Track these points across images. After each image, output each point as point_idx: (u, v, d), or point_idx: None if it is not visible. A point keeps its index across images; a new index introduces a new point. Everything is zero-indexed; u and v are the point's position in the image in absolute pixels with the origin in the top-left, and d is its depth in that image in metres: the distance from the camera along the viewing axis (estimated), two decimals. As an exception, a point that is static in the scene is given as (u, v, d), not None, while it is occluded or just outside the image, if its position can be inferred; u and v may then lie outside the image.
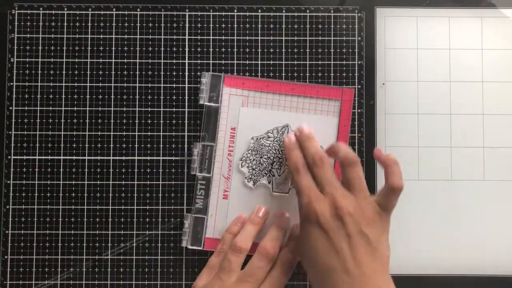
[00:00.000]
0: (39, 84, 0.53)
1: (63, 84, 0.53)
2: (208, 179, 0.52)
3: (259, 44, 0.54)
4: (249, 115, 0.53)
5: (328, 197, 0.44)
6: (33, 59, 0.53)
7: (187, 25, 0.54)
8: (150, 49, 0.54)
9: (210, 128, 0.52)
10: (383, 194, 0.45)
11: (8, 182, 0.53)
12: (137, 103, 0.53)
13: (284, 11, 0.54)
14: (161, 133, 0.53)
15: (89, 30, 0.54)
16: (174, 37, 0.54)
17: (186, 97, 0.53)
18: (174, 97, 0.53)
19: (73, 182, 0.53)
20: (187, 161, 0.53)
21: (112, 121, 0.53)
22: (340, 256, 0.42)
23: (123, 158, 0.53)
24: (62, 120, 0.53)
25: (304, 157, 0.48)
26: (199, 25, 0.54)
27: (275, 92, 0.53)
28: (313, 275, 0.45)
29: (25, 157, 0.53)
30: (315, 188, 0.46)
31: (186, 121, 0.53)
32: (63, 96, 0.53)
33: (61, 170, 0.52)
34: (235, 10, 0.54)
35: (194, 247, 0.52)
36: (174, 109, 0.53)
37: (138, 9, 0.54)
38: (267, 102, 0.53)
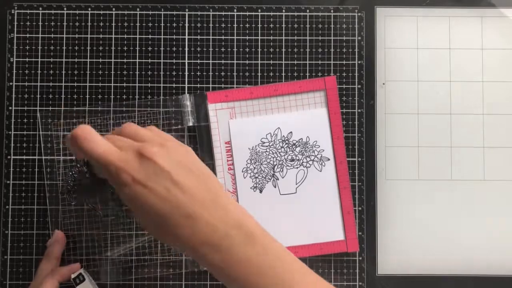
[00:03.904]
0: (38, 84, 0.53)
1: (63, 84, 0.53)
2: None
3: (259, 44, 0.54)
4: (239, 126, 0.52)
5: (128, 150, 0.39)
6: (33, 59, 0.53)
7: (187, 24, 0.54)
8: (150, 48, 0.54)
9: (205, 147, 0.52)
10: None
11: (8, 182, 0.53)
12: (136, 102, 0.53)
13: (284, 11, 0.54)
14: (161, 133, 0.53)
15: (89, 29, 0.54)
16: (174, 37, 0.54)
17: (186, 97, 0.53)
18: (174, 97, 0.53)
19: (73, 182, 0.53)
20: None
21: (112, 121, 0.53)
22: (167, 195, 0.38)
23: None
24: (62, 120, 0.53)
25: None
26: (199, 24, 0.54)
27: (260, 97, 0.53)
28: (152, 229, 0.40)
29: (25, 157, 0.53)
30: (112, 148, 0.40)
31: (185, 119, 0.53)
32: (63, 96, 0.53)
33: (61, 170, 0.52)
34: (235, 10, 0.54)
35: None
36: (174, 109, 0.53)
37: (138, 9, 0.54)
38: (254, 109, 0.53)
